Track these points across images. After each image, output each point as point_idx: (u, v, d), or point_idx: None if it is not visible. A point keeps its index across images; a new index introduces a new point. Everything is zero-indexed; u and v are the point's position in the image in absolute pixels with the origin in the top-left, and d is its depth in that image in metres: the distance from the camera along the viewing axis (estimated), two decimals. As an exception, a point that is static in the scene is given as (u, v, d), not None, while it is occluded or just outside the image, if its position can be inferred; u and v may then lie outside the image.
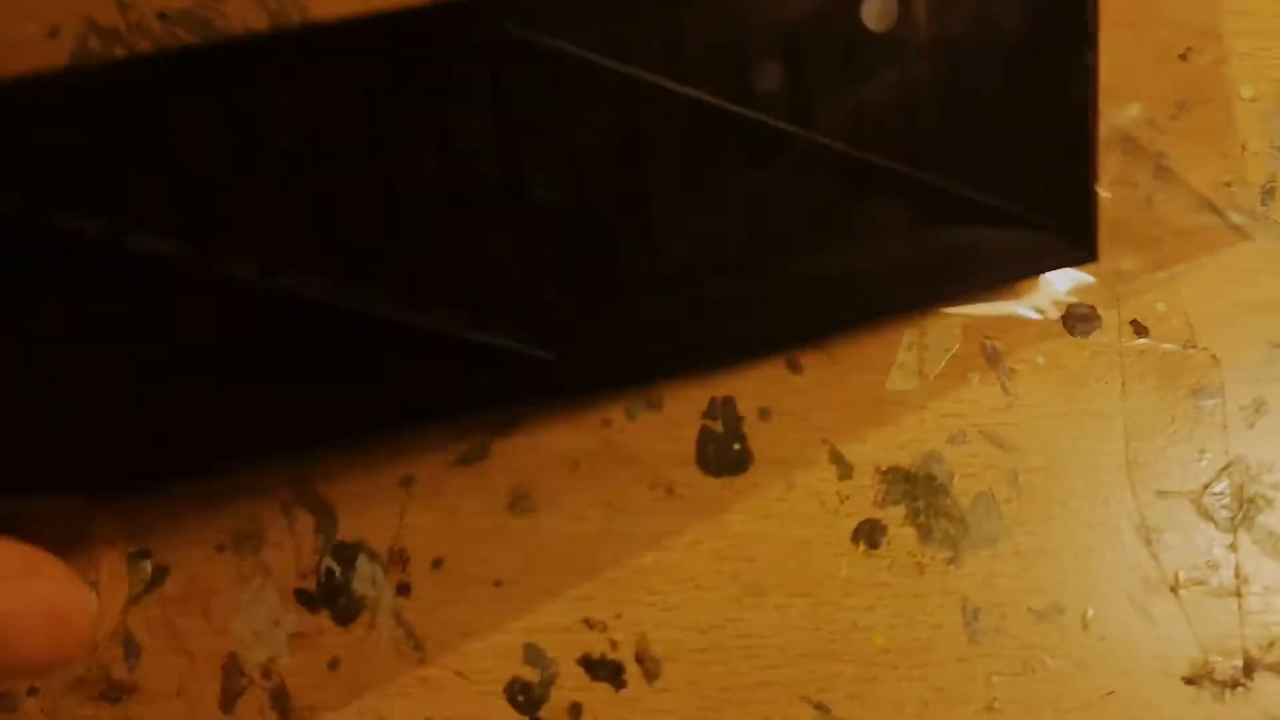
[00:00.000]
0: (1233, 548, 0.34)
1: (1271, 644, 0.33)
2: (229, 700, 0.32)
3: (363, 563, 0.33)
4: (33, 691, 0.32)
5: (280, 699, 0.32)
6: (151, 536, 0.33)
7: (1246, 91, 0.39)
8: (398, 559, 0.33)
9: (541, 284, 0.31)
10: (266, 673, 0.32)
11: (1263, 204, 0.37)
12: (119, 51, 0.37)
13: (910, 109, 0.32)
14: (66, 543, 0.33)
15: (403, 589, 0.33)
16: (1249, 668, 0.33)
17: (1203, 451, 0.35)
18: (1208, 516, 0.34)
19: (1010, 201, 0.33)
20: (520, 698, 0.32)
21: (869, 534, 0.34)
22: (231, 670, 0.32)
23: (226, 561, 0.33)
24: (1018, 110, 0.33)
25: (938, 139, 0.32)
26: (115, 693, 0.32)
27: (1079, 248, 0.33)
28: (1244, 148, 0.38)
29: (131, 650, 0.32)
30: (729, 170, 0.31)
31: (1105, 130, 0.38)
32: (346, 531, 0.33)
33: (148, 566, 0.33)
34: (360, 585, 0.33)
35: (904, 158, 0.32)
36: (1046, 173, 0.33)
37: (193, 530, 0.33)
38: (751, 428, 0.35)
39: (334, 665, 0.32)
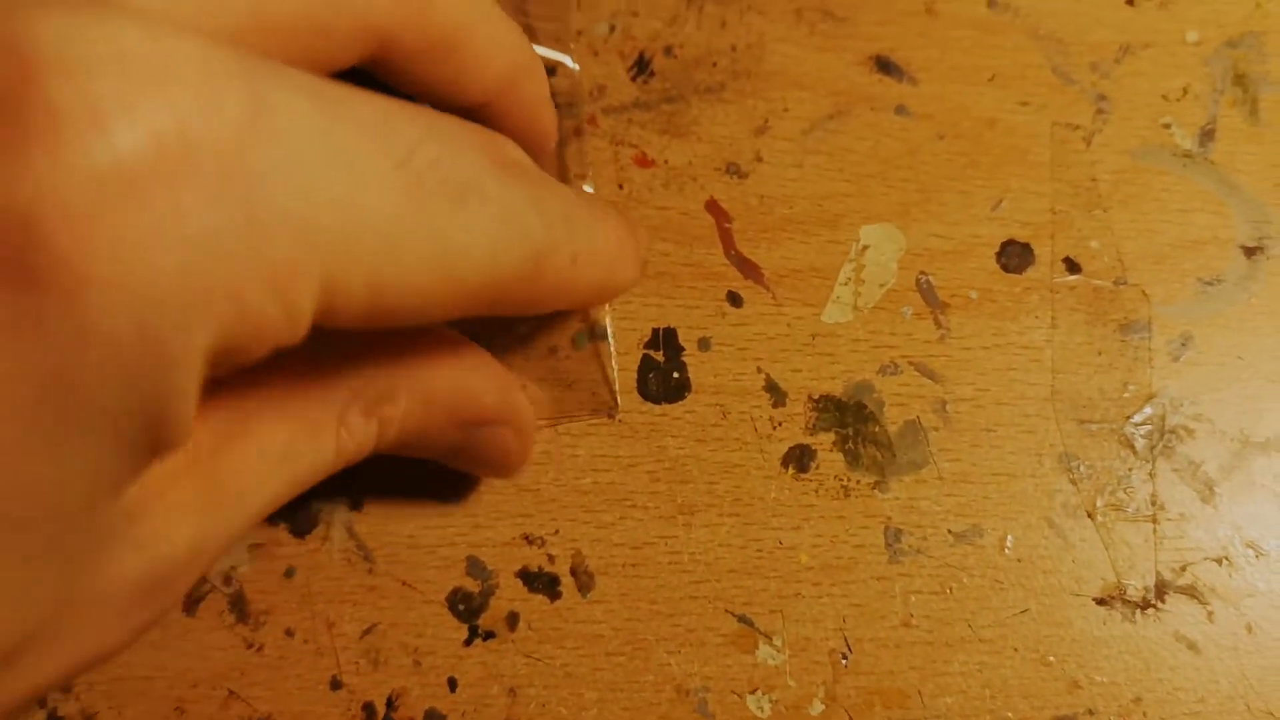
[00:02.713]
0: (1151, 475, 0.34)
1: (1183, 568, 0.33)
2: (191, 604, 0.33)
3: (319, 479, 0.34)
4: (14, 592, 0.33)
5: (239, 604, 0.33)
6: (125, 453, 0.35)
7: (1191, 36, 0.38)
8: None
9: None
10: (227, 579, 0.34)
11: (1201, 145, 0.37)
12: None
13: None
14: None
15: (355, 504, 0.34)
16: (1160, 590, 0.33)
17: (1127, 384, 0.35)
18: (1128, 445, 0.34)
19: None
20: (461, 606, 0.33)
21: (799, 459, 0.34)
22: (195, 576, 0.34)
23: (193, 476, 0.34)
24: None
25: None
26: (89, 595, 0.34)
27: None
28: (1185, 91, 0.38)
29: (105, 557, 0.34)
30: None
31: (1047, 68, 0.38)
32: (305, 450, 0.34)
33: (121, 480, 0.34)
34: (316, 500, 0.34)
35: None
36: None
37: (163, 447, 0.35)
38: (691, 357, 0.35)
39: (289, 573, 0.34)
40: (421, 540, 0.34)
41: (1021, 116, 0.38)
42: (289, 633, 0.33)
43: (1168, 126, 0.37)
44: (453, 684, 0.33)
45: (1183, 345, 0.35)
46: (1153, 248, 0.36)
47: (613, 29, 0.38)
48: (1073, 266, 0.36)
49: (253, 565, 0.34)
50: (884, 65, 0.38)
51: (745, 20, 0.39)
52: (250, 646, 0.33)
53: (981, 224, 0.36)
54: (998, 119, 0.38)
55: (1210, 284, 0.36)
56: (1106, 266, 0.36)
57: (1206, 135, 0.37)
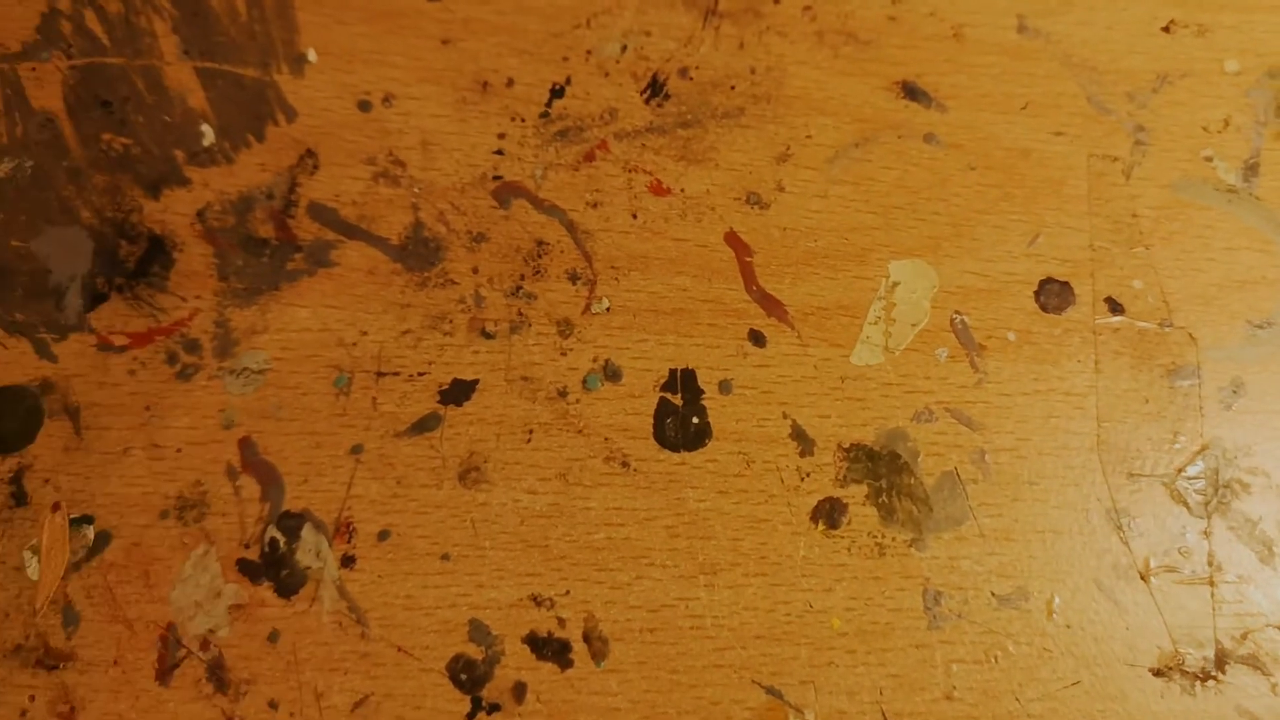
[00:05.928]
0: (1206, 534, 0.30)
1: (1245, 635, 0.30)
2: (165, 671, 0.29)
3: (307, 533, 0.30)
4: (-33, 659, 0.29)
5: (217, 671, 0.29)
6: (95, 502, 0.30)
7: (1231, 65, 0.35)
8: (343, 530, 0.30)
9: None
10: (205, 644, 0.29)
11: (1245, 180, 0.34)
12: (88, 12, 0.34)
13: None
14: (9, 506, 0.30)
15: (347, 561, 0.30)
16: (1220, 660, 0.29)
17: (1177, 433, 0.31)
18: (1181, 501, 0.31)
19: None
20: (463, 676, 0.29)
21: (829, 513, 0.31)
22: (169, 641, 0.29)
23: (169, 529, 0.30)
24: None
25: None
26: (52, 660, 0.29)
27: None
28: (1227, 122, 0.34)
29: (70, 618, 0.29)
30: None
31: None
32: (293, 500, 0.30)
33: (90, 533, 0.30)
34: (304, 557, 0.30)
35: None
36: None
37: (137, 496, 0.30)
38: (711, 401, 0.31)
39: (274, 638, 0.29)
40: (420, 601, 0.30)
41: (1056, 147, 0.34)
42: (273, 705, 0.29)
43: (1209, 159, 0.34)
44: (453, 762, 0.29)
45: (1234, 392, 0.32)
46: (1198, 288, 0.33)
47: (624, 49, 0.35)
48: (1115, 307, 0.32)
49: (233, 629, 0.29)
50: (911, 91, 0.35)
51: (764, 41, 0.35)
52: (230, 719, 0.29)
53: (1018, 260, 0.33)
54: (1031, 149, 0.34)
55: (1260, 326, 0.32)
56: (1151, 307, 0.32)
57: (1250, 169, 0.34)
